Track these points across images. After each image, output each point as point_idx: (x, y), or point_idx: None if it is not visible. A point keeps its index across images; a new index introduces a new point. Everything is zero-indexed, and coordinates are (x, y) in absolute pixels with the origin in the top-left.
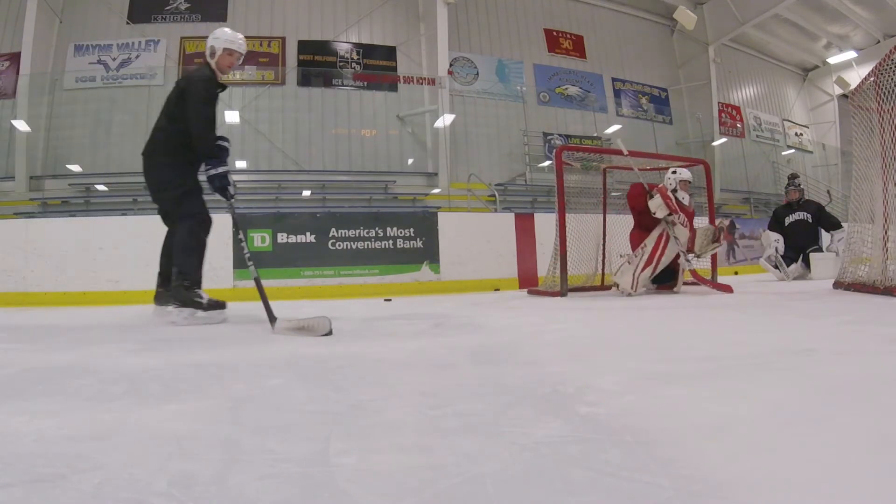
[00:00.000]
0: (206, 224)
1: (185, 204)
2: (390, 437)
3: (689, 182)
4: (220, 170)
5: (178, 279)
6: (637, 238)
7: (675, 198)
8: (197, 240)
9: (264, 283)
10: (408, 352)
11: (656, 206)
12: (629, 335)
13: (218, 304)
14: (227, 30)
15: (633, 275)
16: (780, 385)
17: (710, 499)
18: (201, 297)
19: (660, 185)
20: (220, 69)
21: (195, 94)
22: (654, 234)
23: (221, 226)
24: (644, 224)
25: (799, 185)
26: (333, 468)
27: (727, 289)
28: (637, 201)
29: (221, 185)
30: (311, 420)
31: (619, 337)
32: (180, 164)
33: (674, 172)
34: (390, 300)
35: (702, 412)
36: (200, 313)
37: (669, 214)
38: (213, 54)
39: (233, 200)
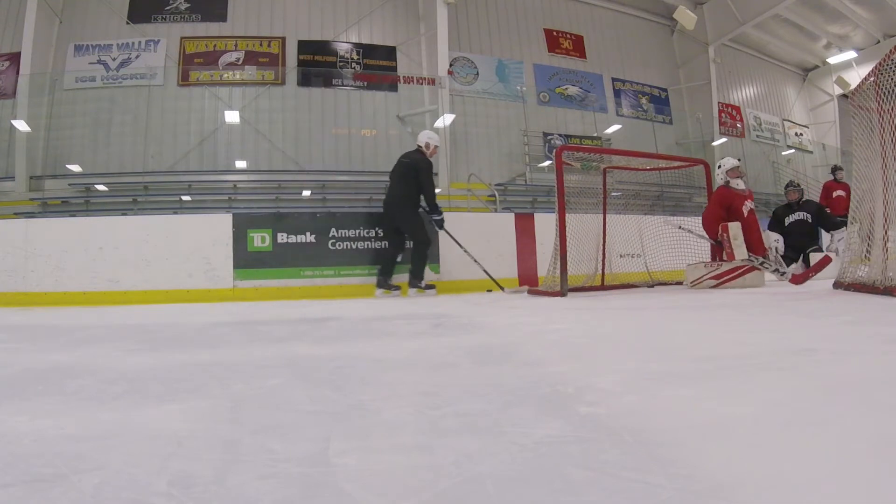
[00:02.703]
0: (428, 245)
1: (421, 234)
2: (390, 437)
3: (738, 166)
4: (441, 217)
5: (413, 275)
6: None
7: (731, 187)
8: (424, 254)
9: (263, 283)
10: (408, 352)
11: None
12: (629, 335)
13: (431, 286)
14: (435, 134)
15: (702, 277)
16: (780, 385)
17: (710, 499)
18: (422, 284)
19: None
20: (430, 155)
21: (427, 172)
22: (738, 262)
23: (222, 229)
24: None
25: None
26: (333, 468)
27: (804, 277)
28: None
29: (441, 225)
30: (311, 420)
31: (619, 337)
32: (416, 209)
33: (719, 167)
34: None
35: (702, 412)
36: (428, 292)
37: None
38: (427, 147)
39: (445, 228)
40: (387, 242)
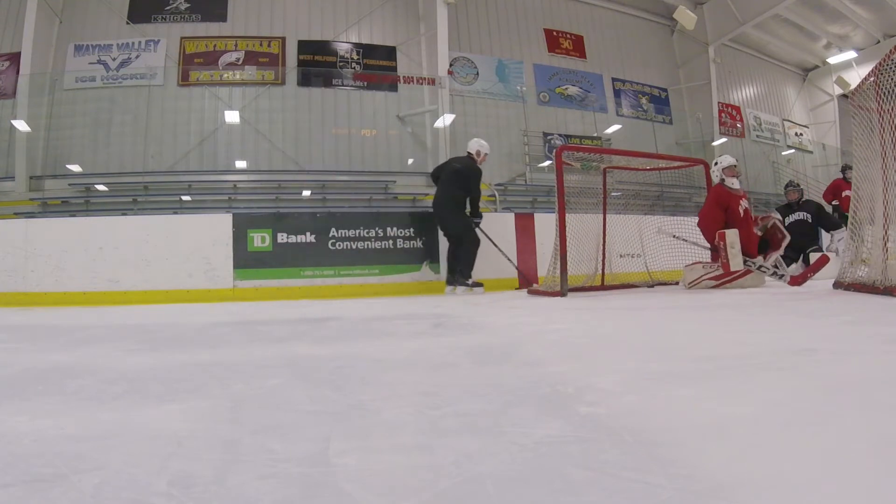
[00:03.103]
0: (477, 244)
1: (470, 234)
2: (390, 437)
3: (735, 165)
4: (480, 219)
5: (462, 274)
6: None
7: (726, 185)
8: (473, 254)
9: (263, 283)
10: (408, 352)
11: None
12: (629, 335)
13: (478, 284)
14: (486, 143)
15: (700, 278)
16: (780, 385)
17: (711, 499)
18: (470, 282)
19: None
20: (480, 162)
21: (476, 178)
22: (739, 262)
23: (222, 229)
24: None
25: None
26: (333, 468)
27: (802, 277)
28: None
29: (478, 225)
30: (311, 420)
31: (619, 337)
32: (463, 212)
33: (715, 164)
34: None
35: (702, 412)
36: (476, 289)
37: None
38: (478, 154)
39: (481, 227)
40: (448, 242)
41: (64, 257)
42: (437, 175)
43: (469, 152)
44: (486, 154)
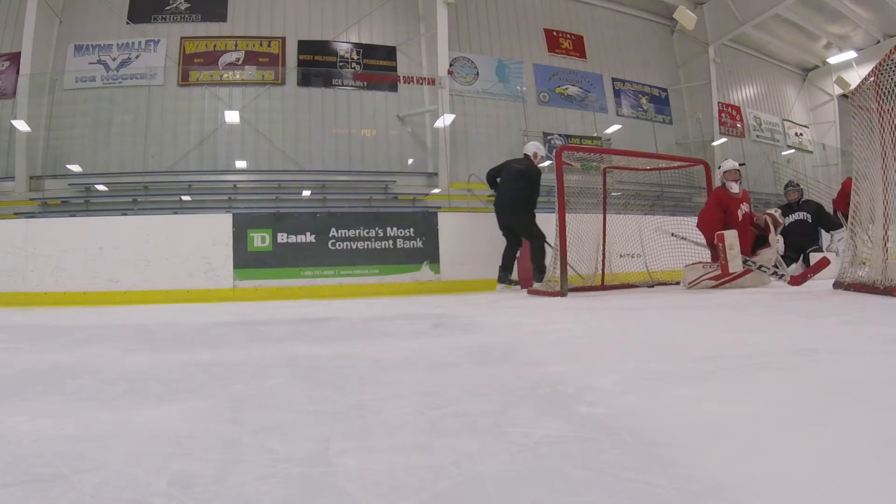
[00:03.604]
0: (544, 238)
1: (534, 231)
2: (390, 437)
3: (736, 170)
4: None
5: (537, 269)
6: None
7: (727, 189)
8: (543, 249)
9: (263, 283)
10: (408, 352)
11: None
12: (629, 335)
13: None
14: (541, 145)
15: (699, 278)
16: (780, 385)
17: (710, 499)
18: (543, 279)
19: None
20: (538, 163)
21: (538, 179)
22: (738, 263)
23: (222, 229)
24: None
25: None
26: (333, 468)
27: (802, 277)
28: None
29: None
30: (311, 420)
31: (619, 337)
32: (525, 210)
33: (719, 167)
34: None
35: (702, 412)
36: (542, 283)
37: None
38: (535, 156)
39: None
40: (505, 240)
41: (64, 257)
42: (495, 176)
43: (526, 154)
44: (542, 156)
